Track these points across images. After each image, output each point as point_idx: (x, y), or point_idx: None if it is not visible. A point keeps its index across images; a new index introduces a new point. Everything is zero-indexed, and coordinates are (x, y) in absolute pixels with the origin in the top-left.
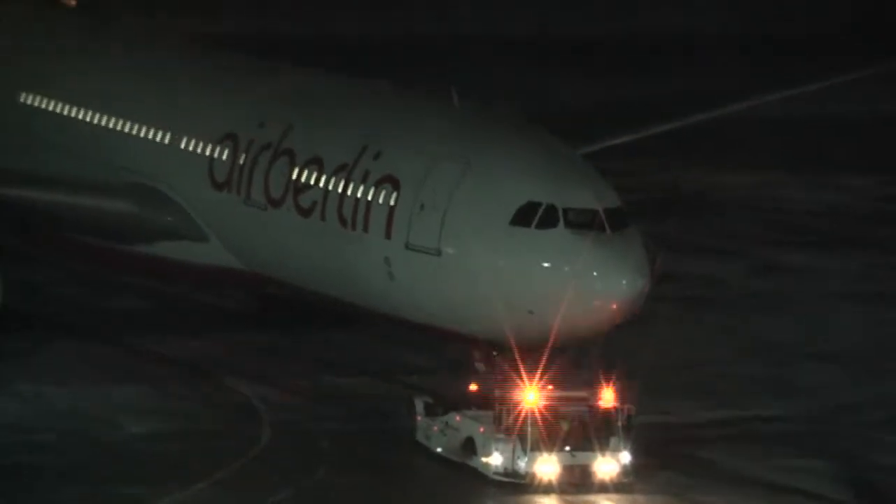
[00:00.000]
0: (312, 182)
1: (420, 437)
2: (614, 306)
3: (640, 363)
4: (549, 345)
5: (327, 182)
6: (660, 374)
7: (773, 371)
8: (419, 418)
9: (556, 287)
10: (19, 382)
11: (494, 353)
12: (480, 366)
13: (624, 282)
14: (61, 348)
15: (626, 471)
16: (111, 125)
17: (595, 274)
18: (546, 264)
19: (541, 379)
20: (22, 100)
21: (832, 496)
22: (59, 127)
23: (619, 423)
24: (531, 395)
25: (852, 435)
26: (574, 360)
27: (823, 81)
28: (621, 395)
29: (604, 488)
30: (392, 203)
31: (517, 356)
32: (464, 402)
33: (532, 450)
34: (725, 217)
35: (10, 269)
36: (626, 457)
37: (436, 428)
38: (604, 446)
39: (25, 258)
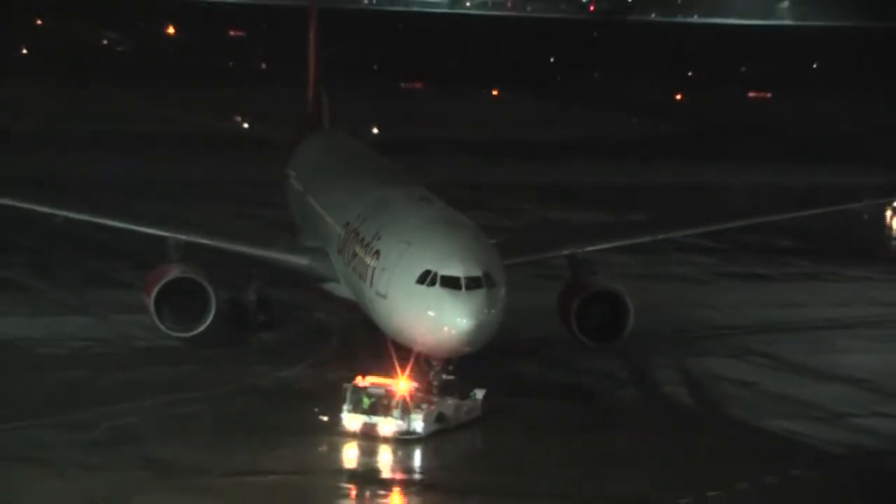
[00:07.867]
0: (357, 251)
1: None
2: (465, 335)
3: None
4: (436, 354)
5: (360, 251)
6: (518, 320)
7: None
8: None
9: (433, 321)
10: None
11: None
12: (427, 364)
13: (466, 321)
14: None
15: (406, 431)
16: (319, 213)
17: (455, 316)
18: (429, 308)
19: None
20: (307, 200)
21: (618, 375)
22: (308, 214)
23: (401, 401)
24: (357, 380)
25: (639, 350)
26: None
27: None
28: (414, 385)
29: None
30: (374, 266)
31: (432, 358)
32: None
33: (350, 412)
34: None
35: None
36: (418, 425)
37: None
38: (387, 414)
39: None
